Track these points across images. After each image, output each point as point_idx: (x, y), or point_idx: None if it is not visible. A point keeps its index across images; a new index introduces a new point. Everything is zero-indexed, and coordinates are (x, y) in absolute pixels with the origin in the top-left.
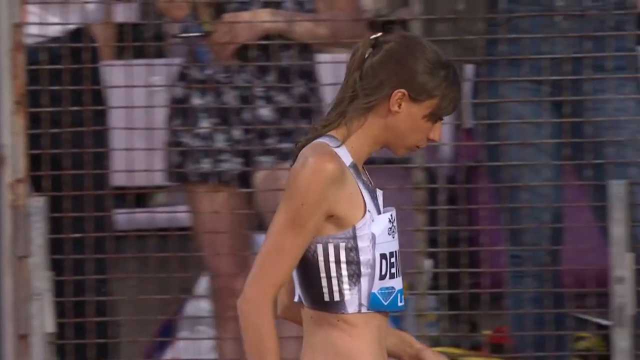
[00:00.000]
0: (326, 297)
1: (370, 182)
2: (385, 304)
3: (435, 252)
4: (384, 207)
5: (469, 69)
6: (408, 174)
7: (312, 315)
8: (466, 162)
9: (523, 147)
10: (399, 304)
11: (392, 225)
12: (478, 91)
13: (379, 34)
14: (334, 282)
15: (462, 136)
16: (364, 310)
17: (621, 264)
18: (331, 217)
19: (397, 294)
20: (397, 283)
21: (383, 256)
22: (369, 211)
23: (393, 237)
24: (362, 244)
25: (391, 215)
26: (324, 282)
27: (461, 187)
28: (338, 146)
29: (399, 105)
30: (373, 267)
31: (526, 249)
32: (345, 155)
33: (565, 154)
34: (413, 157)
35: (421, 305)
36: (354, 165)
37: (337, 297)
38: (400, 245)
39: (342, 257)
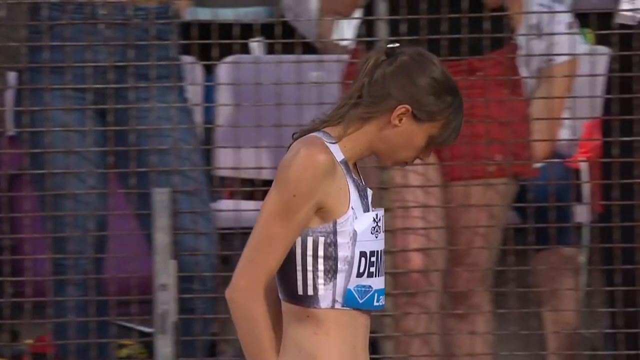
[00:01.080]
0: (300, 291)
1: (361, 181)
2: (361, 301)
3: None
4: (372, 207)
5: (11, 77)
6: None
7: (285, 309)
8: (9, 170)
9: (67, 155)
10: (375, 303)
11: (377, 225)
12: (21, 99)
13: (397, 44)
14: (309, 275)
15: (5, 144)
16: (337, 306)
17: (165, 272)
18: (320, 210)
19: (374, 293)
20: (376, 282)
21: (363, 254)
22: (352, 208)
23: (376, 237)
24: (342, 240)
25: (376, 215)
26: (299, 275)
27: (4, 196)
28: (331, 143)
29: (400, 120)
30: (351, 264)
31: (69, 256)
32: (337, 152)
33: (110, 162)
34: None
35: None
36: (344, 162)
37: (310, 292)
38: None
39: (320, 252)
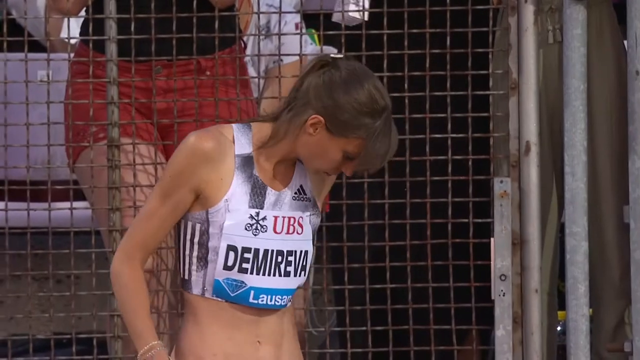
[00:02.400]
0: (181, 274)
1: (275, 179)
2: (232, 295)
3: None
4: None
5: None
6: None
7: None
8: None
9: None
10: (252, 300)
11: (257, 224)
12: None
13: (341, 55)
14: (186, 260)
15: None
16: (207, 295)
17: None
18: (199, 197)
19: (249, 289)
20: (253, 280)
21: (231, 248)
22: (226, 200)
23: (254, 235)
24: (213, 229)
25: (257, 213)
26: (180, 259)
27: None
28: (243, 135)
29: (315, 130)
30: (218, 255)
31: None
32: (245, 145)
33: None
34: None
35: None
36: (248, 156)
37: (186, 276)
38: None
39: (196, 238)
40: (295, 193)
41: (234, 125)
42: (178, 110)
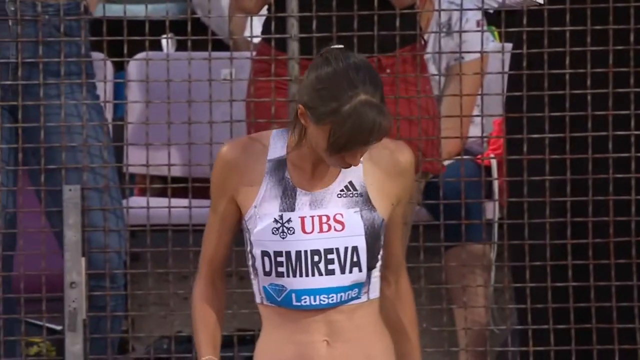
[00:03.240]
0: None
1: (316, 179)
2: (278, 300)
3: None
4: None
5: None
6: None
7: None
8: None
9: None
10: (295, 303)
11: (283, 226)
12: None
13: (340, 46)
14: (249, 270)
15: None
16: (265, 302)
17: (75, 269)
18: (238, 205)
19: (290, 293)
20: (290, 282)
21: (265, 253)
22: (255, 206)
23: (283, 238)
24: (251, 237)
25: (280, 216)
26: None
27: None
28: (281, 138)
29: (305, 121)
30: (257, 262)
31: None
32: (278, 149)
33: (20, 159)
34: None
35: None
36: (280, 160)
37: (252, 286)
38: None
39: (247, 247)
40: (342, 190)
41: (274, 130)
42: None
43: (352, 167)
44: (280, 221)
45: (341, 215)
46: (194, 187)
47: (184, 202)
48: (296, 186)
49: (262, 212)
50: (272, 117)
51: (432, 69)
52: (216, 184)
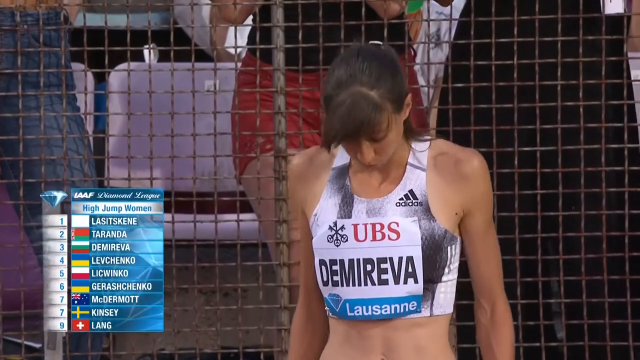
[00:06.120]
0: None
1: (375, 187)
2: (337, 310)
3: None
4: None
5: None
6: None
7: None
8: None
9: None
10: (349, 314)
11: (337, 234)
12: None
13: (380, 43)
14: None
15: None
16: (330, 314)
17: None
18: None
19: (345, 303)
20: (345, 292)
21: (322, 262)
22: (315, 215)
23: (337, 246)
24: (313, 247)
25: (334, 223)
26: None
27: None
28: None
29: None
30: (318, 271)
31: None
32: (344, 156)
33: None
34: None
35: None
36: (343, 167)
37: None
38: None
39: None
40: (402, 198)
41: None
42: None
43: (417, 175)
44: (335, 228)
45: (396, 224)
46: (176, 201)
47: (167, 216)
48: (354, 193)
49: (321, 220)
50: (258, 129)
51: (420, 80)
52: (291, 199)
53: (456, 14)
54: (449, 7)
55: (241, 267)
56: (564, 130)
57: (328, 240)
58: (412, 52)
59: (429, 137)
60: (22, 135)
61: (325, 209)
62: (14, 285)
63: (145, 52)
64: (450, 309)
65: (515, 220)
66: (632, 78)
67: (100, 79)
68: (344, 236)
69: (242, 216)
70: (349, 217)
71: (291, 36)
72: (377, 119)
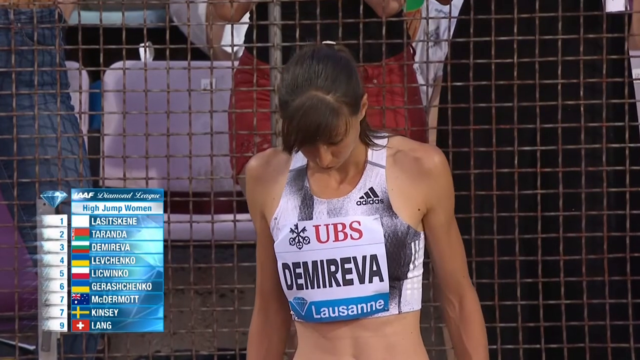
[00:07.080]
0: None
1: (334, 187)
2: (303, 314)
3: None
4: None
5: None
6: None
7: None
8: None
9: None
10: (316, 316)
11: (298, 236)
12: None
13: (326, 43)
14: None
15: None
16: (295, 318)
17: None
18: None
19: (310, 305)
20: (310, 294)
21: (285, 266)
22: (275, 218)
23: (299, 248)
24: (275, 251)
25: (295, 225)
26: None
27: None
28: None
29: None
30: (282, 275)
31: None
32: (300, 158)
33: None
34: None
35: None
36: (300, 169)
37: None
38: None
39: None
40: (362, 197)
41: None
42: None
43: (376, 173)
44: (296, 231)
45: (358, 223)
46: (172, 201)
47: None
48: (314, 195)
49: (282, 224)
50: (254, 128)
51: (419, 79)
52: (248, 201)
53: (455, 12)
54: (448, 5)
55: (238, 267)
56: (564, 129)
57: (290, 243)
58: (411, 51)
59: (386, 134)
60: (16, 135)
61: (285, 212)
62: (7, 286)
63: (141, 50)
64: (418, 306)
65: (515, 220)
66: (634, 76)
67: (95, 78)
68: (306, 238)
69: (239, 216)
70: (310, 218)
71: (288, 34)
72: (335, 124)
